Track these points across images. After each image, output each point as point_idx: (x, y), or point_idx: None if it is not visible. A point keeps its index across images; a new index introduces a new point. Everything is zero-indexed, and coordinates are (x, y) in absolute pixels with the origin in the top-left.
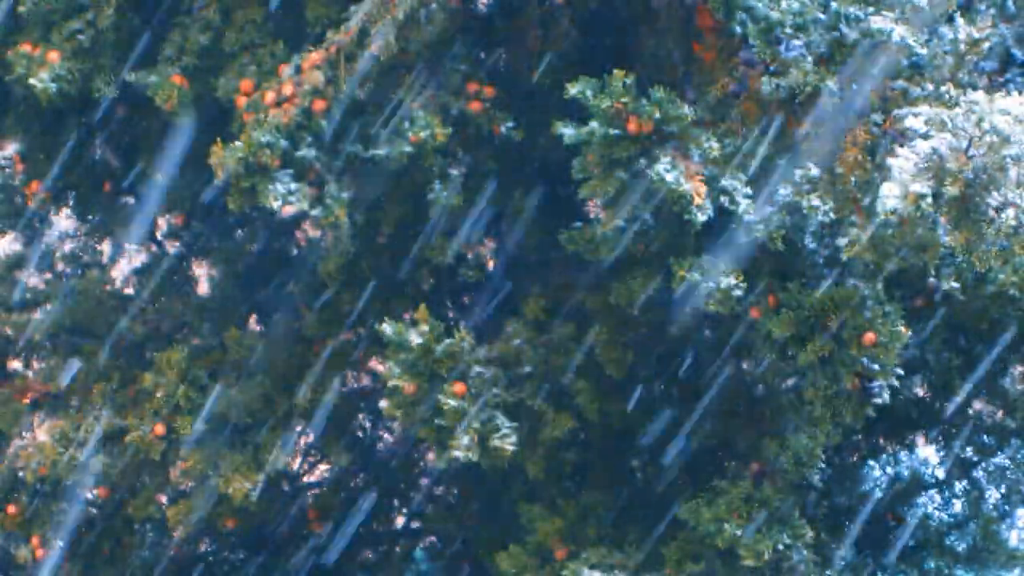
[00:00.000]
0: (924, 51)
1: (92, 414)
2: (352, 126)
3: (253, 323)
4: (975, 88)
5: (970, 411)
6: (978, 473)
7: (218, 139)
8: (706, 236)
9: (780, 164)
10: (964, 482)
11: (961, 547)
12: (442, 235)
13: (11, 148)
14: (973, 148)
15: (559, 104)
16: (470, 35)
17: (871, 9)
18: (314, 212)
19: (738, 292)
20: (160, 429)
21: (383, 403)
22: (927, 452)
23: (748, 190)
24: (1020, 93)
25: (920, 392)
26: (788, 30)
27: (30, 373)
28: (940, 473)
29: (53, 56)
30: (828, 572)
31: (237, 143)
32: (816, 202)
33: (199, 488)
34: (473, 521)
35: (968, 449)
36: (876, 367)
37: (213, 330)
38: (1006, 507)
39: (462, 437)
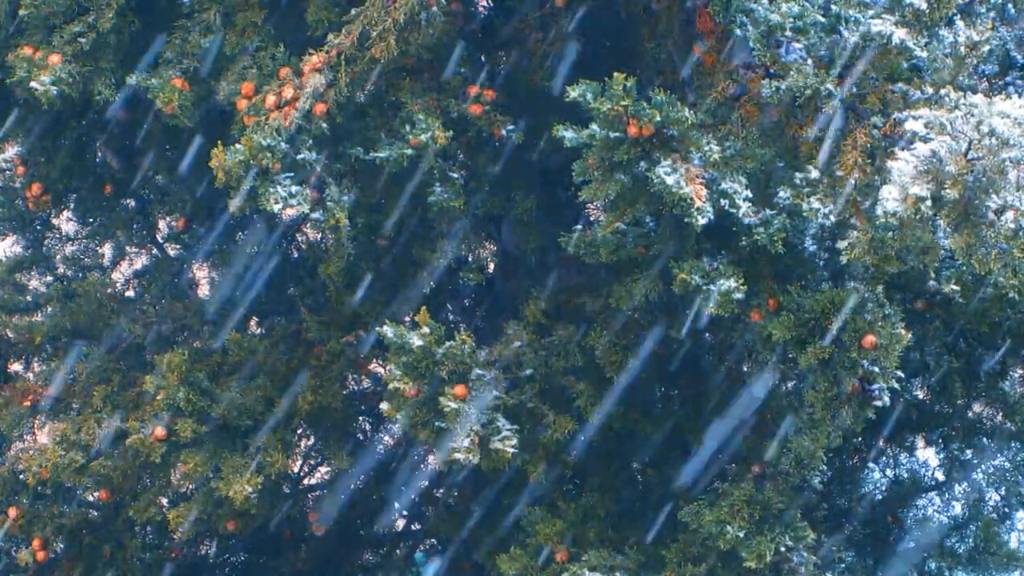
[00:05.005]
0: (924, 54)
1: (93, 417)
2: (353, 129)
3: (254, 326)
4: (975, 91)
5: (970, 414)
6: (978, 475)
7: (219, 142)
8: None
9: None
10: (964, 484)
11: (961, 549)
12: (443, 238)
13: (12, 151)
14: (973, 151)
15: (560, 107)
16: (471, 38)
17: (871, 12)
18: (315, 215)
19: (738, 295)
20: (161, 432)
21: (384, 405)
22: (927, 454)
23: (748, 193)
24: (1020, 96)
25: (920, 395)
26: (788, 33)
27: (31, 376)
28: (940, 475)
29: (54, 59)
30: (828, 574)
31: (238, 146)
32: (816, 205)
33: (200, 490)
34: (473, 523)
35: (968, 451)
36: (876, 370)
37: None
38: (1006, 509)
39: (462, 439)
